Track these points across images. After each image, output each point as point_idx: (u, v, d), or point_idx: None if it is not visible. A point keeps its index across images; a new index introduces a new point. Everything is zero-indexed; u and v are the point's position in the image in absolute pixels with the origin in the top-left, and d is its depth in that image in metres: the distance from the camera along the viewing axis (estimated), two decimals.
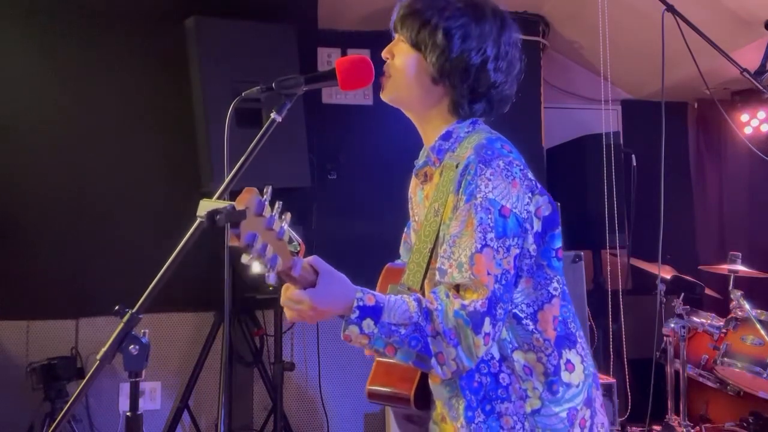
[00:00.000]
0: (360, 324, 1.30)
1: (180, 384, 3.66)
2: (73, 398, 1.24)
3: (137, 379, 1.25)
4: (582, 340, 1.48)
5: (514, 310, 1.41)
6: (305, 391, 3.92)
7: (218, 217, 1.11)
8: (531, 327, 1.41)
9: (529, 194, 1.41)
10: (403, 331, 1.30)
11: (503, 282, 1.34)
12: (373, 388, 1.51)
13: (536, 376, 1.40)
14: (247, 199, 1.14)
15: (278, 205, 1.20)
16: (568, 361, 1.43)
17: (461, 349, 1.30)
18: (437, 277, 1.39)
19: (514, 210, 1.37)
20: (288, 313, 1.35)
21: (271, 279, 1.18)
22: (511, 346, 1.41)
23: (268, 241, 1.15)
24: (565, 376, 1.42)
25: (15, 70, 3.60)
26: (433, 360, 1.31)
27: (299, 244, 1.24)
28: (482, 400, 1.40)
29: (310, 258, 1.32)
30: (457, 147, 1.47)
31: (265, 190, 1.17)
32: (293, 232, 1.23)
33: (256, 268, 1.16)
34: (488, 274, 1.32)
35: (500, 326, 1.35)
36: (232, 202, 1.13)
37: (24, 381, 3.42)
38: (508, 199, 1.36)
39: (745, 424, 3.81)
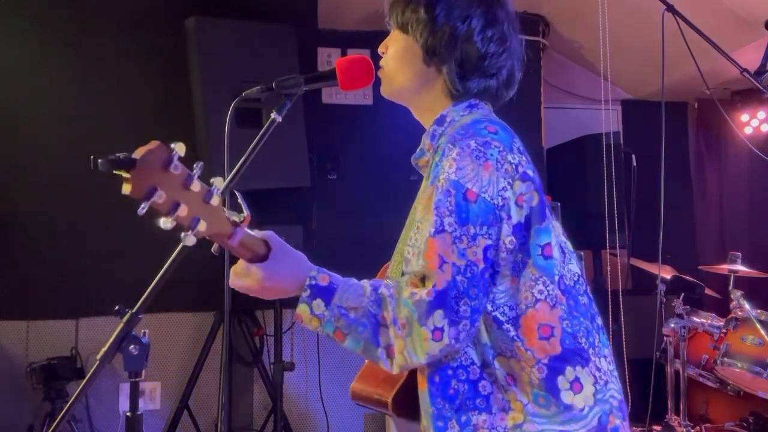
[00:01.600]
0: (310, 304, 1.24)
1: (180, 384, 3.65)
2: (73, 398, 1.24)
3: (137, 379, 1.25)
4: (601, 359, 1.31)
5: (494, 313, 1.27)
6: (305, 391, 3.92)
7: (100, 161, 1.01)
8: (512, 333, 1.26)
9: (509, 180, 1.26)
10: (352, 315, 1.22)
11: (468, 275, 1.21)
12: (356, 388, 1.46)
13: (520, 386, 1.26)
14: (145, 150, 1.03)
15: (197, 166, 1.12)
16: (576, 379, 1.26)
17: (409, 341, 1.19)
18: (403, 266, 1.32)
19: (482, 194, 1.24)
20: (235, 282, 1.28)
21: (186, 241, 1.11)
22: (492, 351, 1.27)
23: (183, 201, 1.07)
24: (566, 396, 1.25)
25: (15, 71, 3.60)
26: (380, 351, 1.23)
27: (246, 215, 1.19)
28: (458, 410, 1.27)
29: (265, 232, 1.26)
30: (449, 130, 1.38)
31: (173, 146, 1.07)
32: (244, 204, 1.19)
33: (162, 223, 1.08)
34: (443, 261, 1.20)
35: (465, 325, 1.20)
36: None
37: (24, 381, 3.42)
38: (475, 182, 1.24)
39: (745, 424, 3.80)
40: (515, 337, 1.26)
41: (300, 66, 3.55)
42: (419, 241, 1.26)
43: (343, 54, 4.11)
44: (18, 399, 3.46)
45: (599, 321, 1.38)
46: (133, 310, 1.24)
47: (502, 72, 1.44)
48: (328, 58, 4.12)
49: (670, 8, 2.77)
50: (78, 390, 1.22)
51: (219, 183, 1.14)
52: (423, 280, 1.24)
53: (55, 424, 1.26)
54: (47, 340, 3.57)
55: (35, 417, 3.38)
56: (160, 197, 1.04)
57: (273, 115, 1.43)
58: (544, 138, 4.31)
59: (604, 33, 3.44)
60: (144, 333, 1.25)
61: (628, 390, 3.93)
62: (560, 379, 1.26)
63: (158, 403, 3.72)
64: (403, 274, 1.33)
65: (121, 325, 1.23)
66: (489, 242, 1.24)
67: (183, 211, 1.07)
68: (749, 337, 3.38)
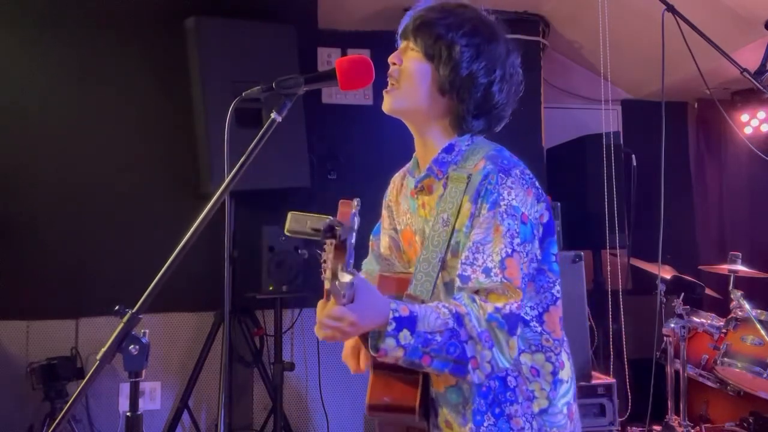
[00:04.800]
0: (397, 336, 1.28)
1: (180, 384, 3.65)
2: (73, 398, 1.24)
3: (137, 379, 1.25)
4: (566, 340, 1.54)
5: None
6: (305, 391, 3.92)
7: (339, 230, 1.08)
8: (538, 329, 1.46)
9: (536, 202, 1.46)
10: (439, 338, 1.29)
11: (524, 286, 1.38)
12: (375, 401, 1.48)
13: (543, 376, 1.46)
14: (349, 214, 1.14)
15: (356, 220, 1.19)
16: (560, 359, 1.50)
17: (496, 351, 1.32)
18: (458, 283, 1.39)
19: (530, 217, 1.42)
20: (321, 333, 1.29)
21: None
22: (517, 349, 1.42)
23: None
24: (561, 373, 1.48)
25: (15, 70, 3.61)
26: (468, 365, 1.32)
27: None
28: (491, 404, 1.43)
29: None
30: (460, 160, 1.51)
31: (355, 203, 1.16)
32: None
33: (346, 278, 1.13)
34: (520, 278, 1.36)
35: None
36: (326, 216, 1.11)
37: (24, 381, 3.42)
38: (525, 206, 1.41)
39: (745, 424, 3.81)
40: (542, 331, 1.47)
41: (300, 66, 3.55)
42: (481, 260, 1.38)
43: (343, 54, 4.11)
44: (18, 399, 3.46)
45: None
46: (133, 310, 1.24)
47: (503, 118, 1.58)
48: (328, 58, 4.12)
49: (670, 8, 2.77)
50: (78, 390, 1.22)
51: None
52: (477, 292, 1.36)
53: (55, 424, 1.26)
54: (47, 340, 3.57)
55: (35, 417, 3.38)
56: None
57: (273, 115, 1.43)
58: (544, 138, 4.30)
59: (604, 33, 3.44)
60: (144, 333, 1.25)
61: (628, 390, 3.94)
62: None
63: (158, 403, 3.72)
64: (431, 293, 1.43)
65: (121, 325, 1.23)
66: (532, 256, 1.43)
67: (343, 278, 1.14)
68: (749, 337, 3.38)
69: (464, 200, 1.43)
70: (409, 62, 1.52)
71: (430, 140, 1.56)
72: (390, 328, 1.28)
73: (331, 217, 1.11)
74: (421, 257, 1.46)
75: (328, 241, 1.11)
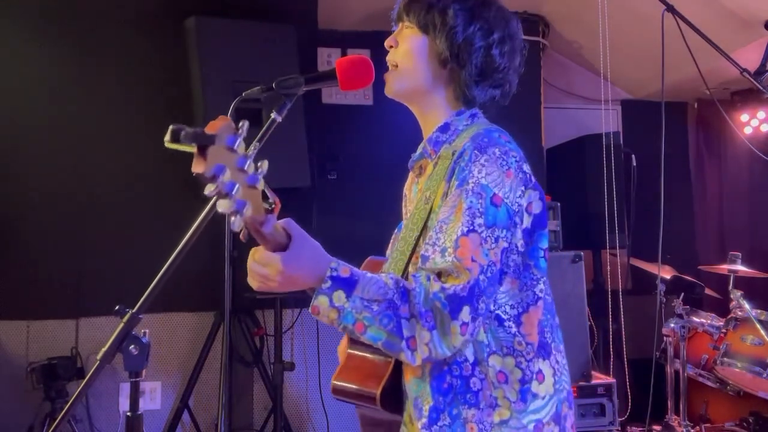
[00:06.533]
0: (330, 295, 1.21)
1: (180, 384, 3.65)
2: (73, 398, 1.23)
3: (137, 379, 1.25)
4: (559, 354, 1.41)
5: (496, 311, 1.35)
6: (305, 391, 3.92)
7: (183, 133, 0.95)
8: (514, 330, 1.35)
9: (522, 187, 1.35)
10: (376, 307, 1.21)
11: (488, 274, 1.27)
12: (338, 383, 1.42)
13: (511, 383, 1.34)
14: (219, 126, 1.00)
15: (253, 147, 1.08)
16: (540, 371, 1.36)
17: (436, 334, 1.22)
18: (419, 263, 1.32)
19: (505, 200, 1.31)
20: (252, 281, 1.24)
21: (235, 225, 1.05)
22: (488, 349, 1.34)
23: (238, 182, 1.02)
24: (533, 385, 1.35)
25: (14, 70, 3.60)
26: (403, 343, 1.22)
27: (274, 202, 1.13)
28: (450, 404, 1.33)
29: (284, 220, 1.22)
30: (455, 139, 1.44)
31: (240, 124, 1.03)
32: (270, 190, 1.13)
33: (221, 206, 1.02)
34: (473, 260, 1.26)
35: (480, 322, 1.28)
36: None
37: (24, 381, 3.42)
38: (500, 187, 1.31)
39: (745, 424, 3.81)
40: (517, 333, 1.35)
41: (300, 66, 3.55)
42: (442, 239, 1.30)
43: (343, 54, 4.11)
44: (18, 399, 3.46)
45: (557, 319, 1.45)
46: (133, 310, 1.24)
47: (506, 85, 1.51)
48: (328, 58, 4.12)
49: (670, 8, 2.77)
50: (78, 390, 1.22)
51: (265, 166, 1.08)
52: (439, 274, 1.28)
53: (55, 424, 1.26)
54: (47, 340, 3.57)
55: (35, 417, 3.38)
56: (225, 176, 0.99)
57: (273, 115, 1.42)
58: (544, 138, 4.30)
59: (604, 33, 3.44)
60: (144, 333, 1.25)
61: (628, 390, 3.95)
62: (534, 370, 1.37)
63: (158, 403, 3.72)
64: (403, 271, 1.37)
65: (121, 325, 1.22)
66: (505, 245, 1.32)
67: (238, 193, 1.02)
68: (749, 337, 3.38)
69: (443, 178, 1.37)
70: (405, 40, 1.50)
71: (431, 120, 1.51)
72: (325, 286, 1.21)
73: None
74: (401, 236, 1.43)
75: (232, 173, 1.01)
